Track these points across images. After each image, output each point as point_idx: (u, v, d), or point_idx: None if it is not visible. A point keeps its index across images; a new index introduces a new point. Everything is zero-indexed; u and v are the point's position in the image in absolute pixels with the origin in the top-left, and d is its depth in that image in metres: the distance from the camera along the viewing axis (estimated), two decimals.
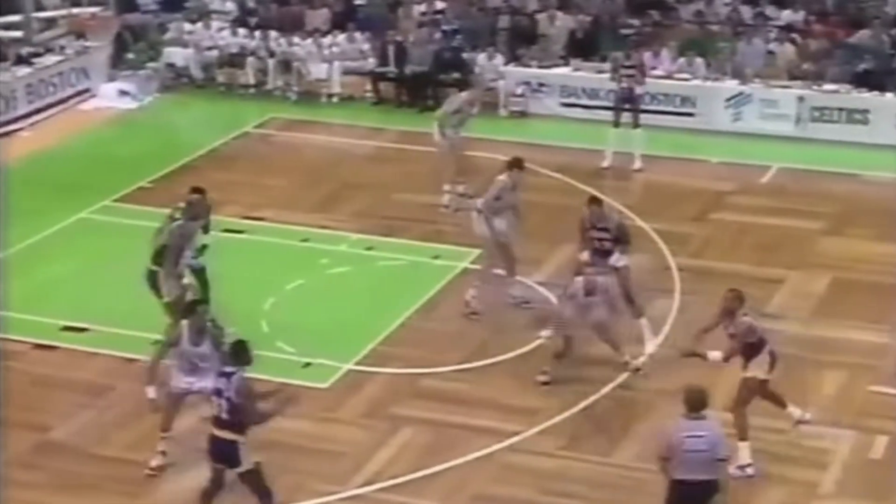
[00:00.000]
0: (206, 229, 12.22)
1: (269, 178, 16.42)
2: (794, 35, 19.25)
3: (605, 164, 16.70)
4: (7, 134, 18.15)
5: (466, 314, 12.69)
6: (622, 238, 12.18)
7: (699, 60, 18.65)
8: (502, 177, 12.80)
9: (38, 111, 18.77)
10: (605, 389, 11.31)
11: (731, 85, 18.31)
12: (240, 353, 9.22)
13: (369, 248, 14.32)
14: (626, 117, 16.68)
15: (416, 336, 12.44)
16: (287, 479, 9.98)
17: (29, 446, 10.70)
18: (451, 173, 15.45)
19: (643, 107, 17.00)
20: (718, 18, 20.17)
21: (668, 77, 18.53)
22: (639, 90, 16.63)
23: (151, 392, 10.17)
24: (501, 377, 11.68)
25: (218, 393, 9.06)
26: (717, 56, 18.93)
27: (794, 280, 13.51)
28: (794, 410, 10.51)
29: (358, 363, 11.94)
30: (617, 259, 12.09)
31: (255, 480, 9.16)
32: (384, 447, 10.67)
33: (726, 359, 10.09)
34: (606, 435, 10.75)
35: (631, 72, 16.59)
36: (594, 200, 12.45)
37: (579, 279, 11.51)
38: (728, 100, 18.18)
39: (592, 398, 11.10)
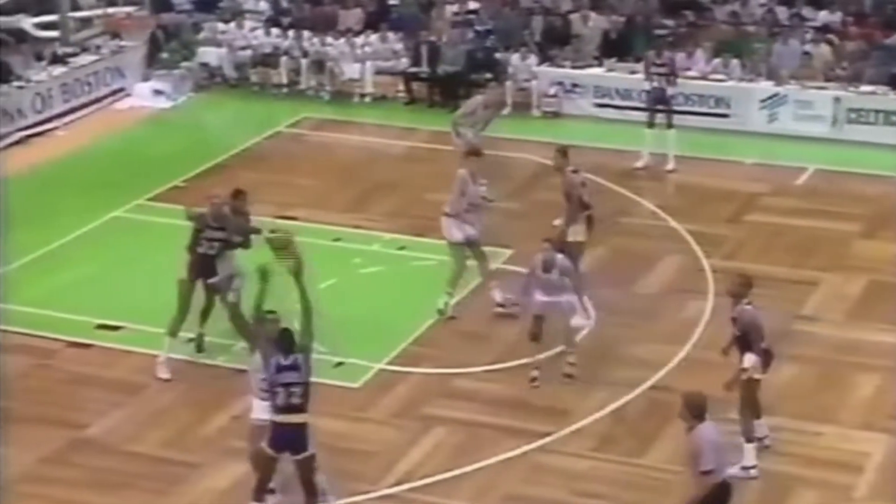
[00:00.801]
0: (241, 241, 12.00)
1: (301, 177, 16.52)
2: (830, 36, 19.14)
3: (640, 164, 16.70)
4: (42, 133, 18.36)
5: (496, 313, 12.71)
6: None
7: (734, 61, 18.60)
8: (461, 170, 12.77)
9: (73, 110, 18.97)
10: (637, 391, 11.32)
11: (766, 86, 18.24)
12: (292, 339, 9.12)
13: (401, 248, 14.39)
14: (660, 117, 16.66)
15: (447, 336, 12.50)
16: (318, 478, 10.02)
17: (64, 444, 10.83)
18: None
19: (677, 107, 16.98)
20: (754, 19, 20.09)
21: (703, 78, 18.49)
22: (671, 90, 16.62)
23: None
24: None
25: (287, 385, 8.94)
26: (752, 57, 18.86)
27: (829, 282, 13.46)
28: (762, 427, 10.31)
29: (389, 363, 12.01)
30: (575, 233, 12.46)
31: (312, 466, 9.15)
32: (415, 447, 10.73)
33: (725, 350, 10.07)
34: (637, 436, 10.75)
35: (662, 70, 16.58)
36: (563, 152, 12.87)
37: (538, 255, 11.50)
38: (763, 101, 18.11)
39: (624, 399, 11.11)
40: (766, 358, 10.09)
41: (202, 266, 11.82)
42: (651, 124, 16.65)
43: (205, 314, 12.08)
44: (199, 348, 12.15)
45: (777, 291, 12.69)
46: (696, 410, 8.41)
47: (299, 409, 9.00)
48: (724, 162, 16.95)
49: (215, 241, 11.82)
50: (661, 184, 16.38)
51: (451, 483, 10.25)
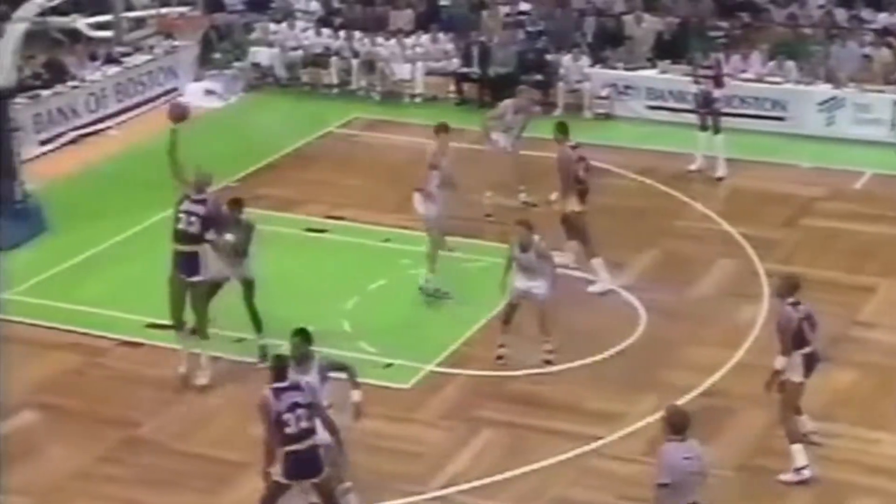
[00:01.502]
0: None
1: (351, 177, 16.60)
2: (890, 39, 18.91)
3: (694, 167, 16.59)
4: (96, 133, 18.60)
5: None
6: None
7: (790, 63, 18.44)
8: (432, 147, 13.17)
9: (126, 110, 19.21)
10: (690, 395, 11.26)
11: (823, 89, 18.05)
12: (285, 366, 9.05)
13: (451, 250, 14.41)
14: (708, 121, 16.52)
15: (498, 338, 12.49)
16: (367, 479, 10.11)
17: (115, 442, 10.97)
18: (514, 177, 15.35)
19: (732, 110, 16.85)
20: (811, 21, 19.88)
21: (759, 80, 18.34)
22: (717, 93, 16.42)
23: None
24: (584, 381, 11.70)
25: (293, 407, 8.87)
26: (809, 59, 18.69)
27: (887, 288, 13.31)
28: (807, 423, 10.38)
29: (439, 364, 12.05)
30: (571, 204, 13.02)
31: (331, 485, 9.15)
32: (464, 449, 10.76)
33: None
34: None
35: (708, 73, 16.45)
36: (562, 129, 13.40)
37: (515, 236, 11.72)
38: (821, 104, 17.92)
39: (677, 403, 10.98)
40: (810, 361, 10.06)
41: (183, 259, 11.50)
42: (703, 127, 16.54)
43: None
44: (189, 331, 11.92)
45: (833, 297, 12.58)
46: (672, 427, 8.28)
47: (310, 432, 8.89)
48: (779, 165, 16.81)
49: (193, 215, 11.51)
50: (714, 187, 16.29)
51: (500, 486, 10.26)
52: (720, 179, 16.38)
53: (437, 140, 13.29)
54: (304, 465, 8.94)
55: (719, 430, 10.83)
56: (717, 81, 16.42)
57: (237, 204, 12.05)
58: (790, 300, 9.99)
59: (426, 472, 10.46)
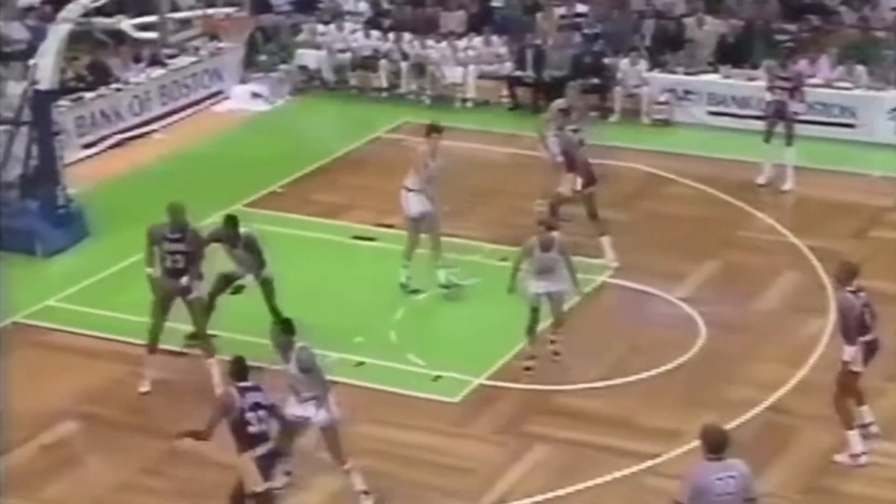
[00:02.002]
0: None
1: (400, 184, 16.64)
2: None
3: (762, 180, 16.34)
4: (140, 136, 18.83)
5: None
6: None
7: (861, 68, 18.27)
8: (422, 146, 13.46)
9: (171, 113, 19.44)
10: (752, 412, 11.20)
11: (895, 95, 17.88)
12: (244, 366, 9.48)
13: (503, 259, 14.35)
14: (778, 131, 16.29)
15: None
16: (415, 494, 10.16)
17: (156, 453, 11.07)
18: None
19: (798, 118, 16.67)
20: (885, 24, 19.67)
21: (827, 85, 18.20)
22: (794, 106, 16.17)
23: None
24: (640, 396, 11.67)
25: (255, 407, 9.27)
26: (881, 64, 18.50)
27: None
28: (867, 414, 10.60)
29: (490, 378, 12.06)
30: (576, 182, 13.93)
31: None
32: (515, 465, 10.76)
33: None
34: (750, 460, 10.57)
35: (786, 84, 16.21)
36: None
37: (534, 237, 11.95)
38: (892, 110, 17.76)
39: (737, 421, 10.96)
40: (870, 349, 10.18)
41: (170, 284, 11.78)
42: (767, 138, 16.36)
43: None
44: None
45: None
46: (708, 446, 8.21)
47: (269, 435, 9.32)
48: (848, 174, 16.66)
49: (177, 253, 11.76)
50: (779, 197, 16.18)
51: None
52: (786, 192, 16.24)
53: (428, 141, 13.52)
54: (269, 467, 9.38)
55: (783, 450, 10.76)
56: (795, 92, 16.20)
57: (232, 221, 12.27)
58: (850, 287, 10.14)
59: (476, 489, 10.47)
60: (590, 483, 10.44)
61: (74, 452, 11.11)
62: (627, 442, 10.93)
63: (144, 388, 11.96)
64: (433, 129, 13.58)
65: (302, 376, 9.88)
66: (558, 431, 11.17)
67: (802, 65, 18.33)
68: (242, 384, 9.36)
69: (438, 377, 12.02)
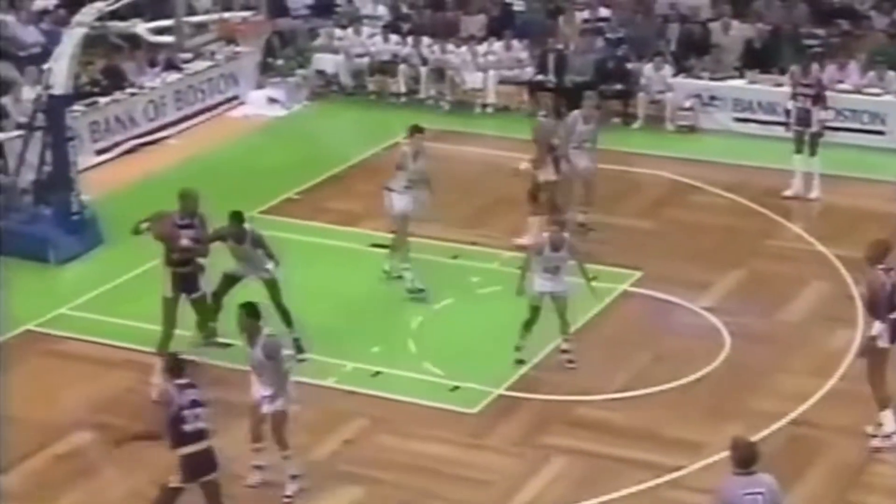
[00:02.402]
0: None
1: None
2: None
3: (790, 192, 16.28)
4: (155, 142, 18.97)
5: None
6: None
7: (891, 74, 18.26)
8: (404, 147, 13.94)
9: (186, 118, 19.58)
10: (777, 424, 11.23)
11: None
12: (180, 360, 9.90)
13: (522, 268, 14.47)
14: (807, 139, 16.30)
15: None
16: None
17: (169, 464, 11.11)
18: (578, 194, 15.43)
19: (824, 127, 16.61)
20: None
21: (857, 91, 18.20)
22: (821, 114, 16.18)
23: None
24: (662, 408, 11.71)
25: (193, 405, 9.61)
26: None
27: None
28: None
29: (509, 388, 12.12)
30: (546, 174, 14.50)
31: (220, 485, 9.73)
32: (535, 477, 10.81)
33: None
34: (776, 474, 10.59)
35: (808, 91, 16.21)
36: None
37: (545, 235, 12.36)
38: None
39: (762, 433, 10.97)
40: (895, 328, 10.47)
41: (181, 279, 12.18)
42: (799, 149, 16.27)
43: (201, 324, 12.52)
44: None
45: None
46: (737, 461, 8.23)
47: (206, 432, 9.65)
48: (877, 182, 16.64)
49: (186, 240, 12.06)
50: (807, 205, 16.20)
51: None
52: (813, 200, 16.25)
53: (410, 142, 13.92)
54: (201, 466, 9.66)
55: (810, 464, 10.78)
56: (818, 99, 16.21)
57: (238, 217, 12.49)
58: (881, 266, 10.46)
59: (494, 501, 10.52)
60: (610, 496, 10.46)
61: (88, 462, 11.20)
62: (649, 454, 10.96)
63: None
64: (415, 130, 14.00)
65: (266, 362, 10.43)
66: (578, 443, 11.22)
67: (831, 70, 18.38)
68: (179, 381, 9.63)
69: (456, 387, 12.09)
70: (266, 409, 10.49)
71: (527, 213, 14.97)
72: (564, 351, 12.48)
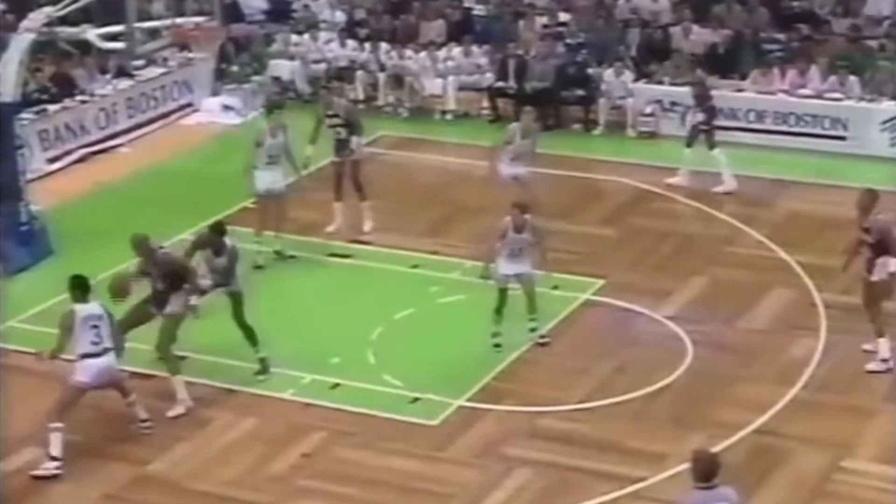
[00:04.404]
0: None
1: (377, 199, 16.72)
2: None
3: (673, 180, 16.96)
4: (106, 150, 18.86)
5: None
6: (354, 124, 15.55)
7: (853, 79, 18.49)
8: (262, 125, 15.15)
9: (138, 126, 19.48)
10: (740, 434, 11.32)
11: (889, 106, 18.10)
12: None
13: (485, 277, 14.51)
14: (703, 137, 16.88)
15: (532, 371, 12.62)
16: None
17: (125, 480, 11.11)
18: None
19: (784, 128, 16.80)
20: (877, 33, 19.89)
21: (818, 97, 18.41)
22: (697, 116, 16.99)
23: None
24: (625, 418, 11.78)
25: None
26: (874, 75, 18.70)
27: None
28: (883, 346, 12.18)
29: (470, 399, 12.14)
30: (357, 144, 15.51)
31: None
32: (497, 490, 10.84)
33: (854, 252, 12.46)
34: (740, 484, 10.68)
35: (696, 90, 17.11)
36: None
37: (507, 218, 12.86)
38: (885, 122, 17.97)
39: (725, 443, 11.09)
40: None
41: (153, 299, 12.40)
42: (689, 143, 16.98)
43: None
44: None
45: None
46: (698, 474, 8.27)
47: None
48: (840, 188, 16.79)
49: (157, 279, 12.29)
50: (769, 211, 16.35)
51: None
52: (724, 193, 16.64)
53: (267, 119, 15.31)
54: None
55: (773, 474, 10.87)
56: (700, 100, 16.98)
57: (220, 228, 12.64)
58: (876, 211, 12.16)
59: None
60: None
61: (35, 480, 11.11)
62: (612, 465, 11.03)
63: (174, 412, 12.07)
64: (273, 108, 15.65)
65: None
66: (540, 454, 11.27)
67: (792, 75, 18.60)
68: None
69: (417, 399, 12.11)
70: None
71: (491, 223, 15.11)
72: (533, 330, 12.89)
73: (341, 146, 15.61)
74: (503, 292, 12.81)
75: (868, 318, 12.36)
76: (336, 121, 15.61)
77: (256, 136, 14.92)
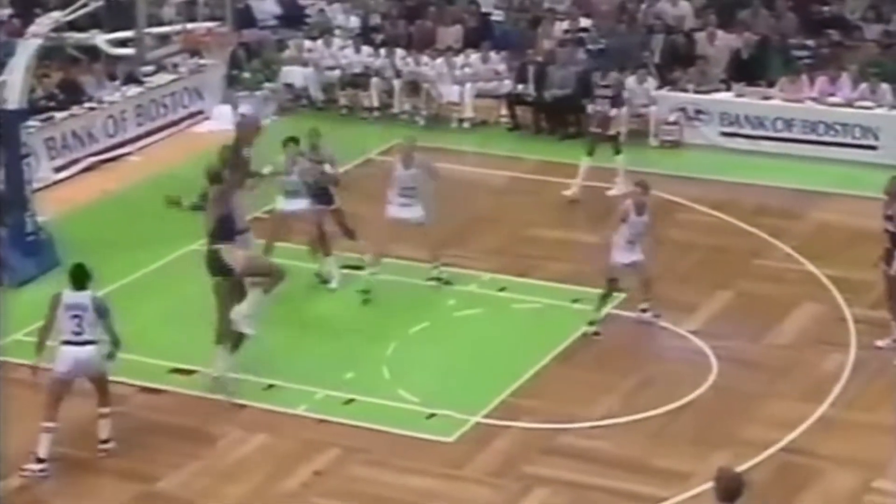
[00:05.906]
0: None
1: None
2: None
3: (569, 192, 17.02)
4: (115, 158, 18.94)
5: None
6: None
7: (885, 86, 18.45)
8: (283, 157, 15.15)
9: (148, 134, 19.57)
10: (767, 453, 11.30)
11: None
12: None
13: (502, 289, 14.55)
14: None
15: (552, 387, 12.61)
16: None
17: (130, 498, 11.14)
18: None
19: (812, 137, 16.70)
20: None
21: (848, 105, 18.38)
22: (613, 113, 17.19)
23: None
24: (647, 436, 11.78)
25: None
26: None
27: None
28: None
29: (487, 416, 12.15)
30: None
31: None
32: None
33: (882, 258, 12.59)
34: None
35: (607, 92, 17.25)
36: None
37: (628, 201, 13.39)
38: None
39: (752, 462, 11.08)
40: None
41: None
42: (590, 151, 17.05)
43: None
44: None
45: None
46: (721, 493, 8.25)
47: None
48: (871, 199, 16.72)
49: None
50: (798, 223, 16.33)
51: None
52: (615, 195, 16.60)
53: (285, 153, 15.16)
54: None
55: (800, 493, 10.85)
56: (616, 101, 17.15)
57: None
58: None
59: None
60: None
61: (41, 498, 11.16)
62: (634, 484, 11.02)
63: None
64: (288, 141, 15.46)
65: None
66: (560, 473, 11.26)
67: (821, 82, 18.57)
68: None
69: (432, 415, 12.11)
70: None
71: (509, 234, 15.17)
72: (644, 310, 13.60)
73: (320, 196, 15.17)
74: (614, 282, 13.28)
75: (891, 315, 12.64)
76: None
77: (274, 168, 14.88)
